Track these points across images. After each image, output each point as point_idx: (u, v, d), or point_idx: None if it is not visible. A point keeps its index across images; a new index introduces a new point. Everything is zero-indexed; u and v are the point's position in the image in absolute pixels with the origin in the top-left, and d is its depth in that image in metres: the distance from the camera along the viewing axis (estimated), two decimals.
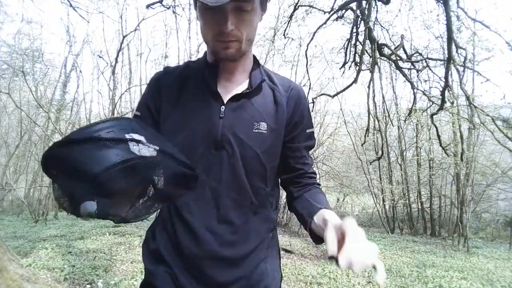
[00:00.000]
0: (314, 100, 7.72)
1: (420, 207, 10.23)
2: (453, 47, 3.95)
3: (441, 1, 3.90)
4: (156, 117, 0.80)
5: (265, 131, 0.76)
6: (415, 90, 5.65)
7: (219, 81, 0.79)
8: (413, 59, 5.52)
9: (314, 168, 0.93)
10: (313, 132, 0.88)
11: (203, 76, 0.79)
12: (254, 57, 0.85)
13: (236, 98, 0.77)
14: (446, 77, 3.98)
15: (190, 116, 0.76)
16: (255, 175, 0.77)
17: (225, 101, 0.76)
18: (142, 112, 0.82)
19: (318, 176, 11.85)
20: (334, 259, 0.49)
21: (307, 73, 6.91)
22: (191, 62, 0.87)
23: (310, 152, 0.88)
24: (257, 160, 0.76)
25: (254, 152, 0.76)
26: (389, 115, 10.01)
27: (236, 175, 0.75)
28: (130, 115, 10.07)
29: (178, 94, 0.79)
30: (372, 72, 4.55)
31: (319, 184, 0.88)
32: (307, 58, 6.27)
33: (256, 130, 0.75)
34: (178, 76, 0.82)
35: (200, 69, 0.82)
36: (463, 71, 5.59)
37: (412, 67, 5.57)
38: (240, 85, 0.80)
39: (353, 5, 4.39)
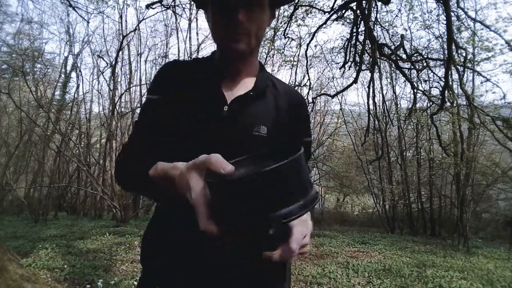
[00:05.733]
0: (314, 100, 7.74)
1: (420, 207, 10.23)
2: (453, 47, 3.96)
3: (441, 1, 3.91)
4: (164, 106, 0.78)
5: (265, 135, 0.76)
6: (415, 90, 5.66)
7: (225, 82, 0.79)
8: (413, 59, 5.53)
9: (313, 171, 0.90)
10: (310, 141, 0.87)
11: (208, 75, 0.79)
12: (260, 63, 0.86)
13: (239, 99, 0.76)
14: (446, 77, 3.98)
15: (192, 114, 0.75)
16: None
17: (228, 102, 0.76)
18: (159, 95, 0.79)
19: (318, 176, 11.86)
20: None
21: (307, 73, 6.93)
22: (199, 59, 0.87)
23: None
24: None
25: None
26: (389, 115, 10.02)
27: None
28: (130, 115, 10.09)
29: (183, 90, 0.78)
30: (372, 72, 4.55)
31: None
32: (307, 58, 6.27)
33: (256, 133, 0.75)
34: (185, 71, 0.81)
35: (207, 68, 0.82)
36: (463, 71, 5.60)
37: (412, 67, 5.57)
38: (245, 88, 0.79)
39: (353, 5, 4.39)
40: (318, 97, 9.10)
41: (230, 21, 0.69)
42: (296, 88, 9.48)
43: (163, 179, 0.60)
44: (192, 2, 0.88)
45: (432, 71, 6.12)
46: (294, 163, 0.44)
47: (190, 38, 10.31)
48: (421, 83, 7.38)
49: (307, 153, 0.85)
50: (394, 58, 4.99)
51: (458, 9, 4.91)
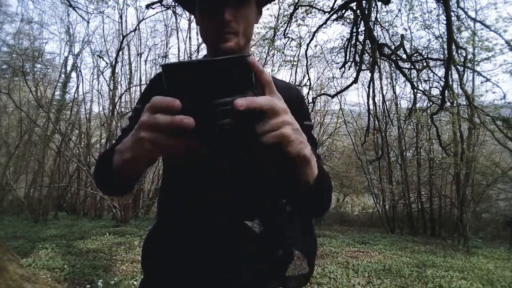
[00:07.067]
0: (314, 100, 7.74)
1: (420, 207, 10.24)
2: (453, 47, 3.96)
3: (441, 1, 3.91)
4: None
5: None
6: (415, 90, 5.66)
7: None
8: (413, 59, 5.53)
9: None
10: (311, 125, 0.85)
11: None
12: None
13: None
14: (446, 77, 3.98)
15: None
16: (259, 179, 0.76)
17: None
18: (142, 105, 0.80)
19: None
20: None
21: (307, 73, 6.93)
22: None
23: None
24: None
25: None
26: (389, 115, 10.02)
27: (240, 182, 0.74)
28: (130, 115, 10.05)
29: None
30: (372, 72, 4.56)
31: None
32: (307, 58, 6.27)
33: None
34: None
35: None
36: (463, 71, 5.59)
37: (412, 67, 5.57)
38: None
39: (353, 5, 4.39)
40: (318, 97, 9.08)
41: (217, 21, 0.69)
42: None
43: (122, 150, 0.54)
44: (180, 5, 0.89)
45: (432, 71, 6.13)
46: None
47: (190, 38, 10.30)
48: (421, 83, 7.39)
49: (310, 138, 0.85)
50: (394, 58, 4.99)
51: (458, 9, 4.92)
